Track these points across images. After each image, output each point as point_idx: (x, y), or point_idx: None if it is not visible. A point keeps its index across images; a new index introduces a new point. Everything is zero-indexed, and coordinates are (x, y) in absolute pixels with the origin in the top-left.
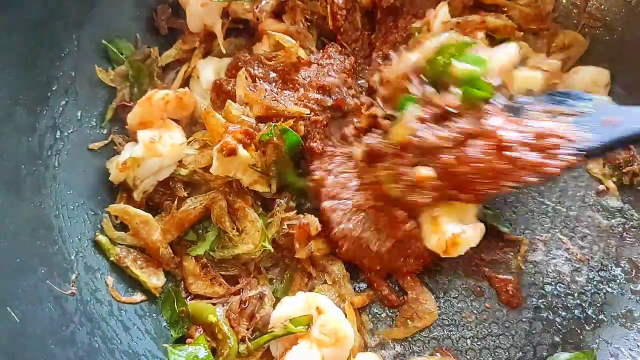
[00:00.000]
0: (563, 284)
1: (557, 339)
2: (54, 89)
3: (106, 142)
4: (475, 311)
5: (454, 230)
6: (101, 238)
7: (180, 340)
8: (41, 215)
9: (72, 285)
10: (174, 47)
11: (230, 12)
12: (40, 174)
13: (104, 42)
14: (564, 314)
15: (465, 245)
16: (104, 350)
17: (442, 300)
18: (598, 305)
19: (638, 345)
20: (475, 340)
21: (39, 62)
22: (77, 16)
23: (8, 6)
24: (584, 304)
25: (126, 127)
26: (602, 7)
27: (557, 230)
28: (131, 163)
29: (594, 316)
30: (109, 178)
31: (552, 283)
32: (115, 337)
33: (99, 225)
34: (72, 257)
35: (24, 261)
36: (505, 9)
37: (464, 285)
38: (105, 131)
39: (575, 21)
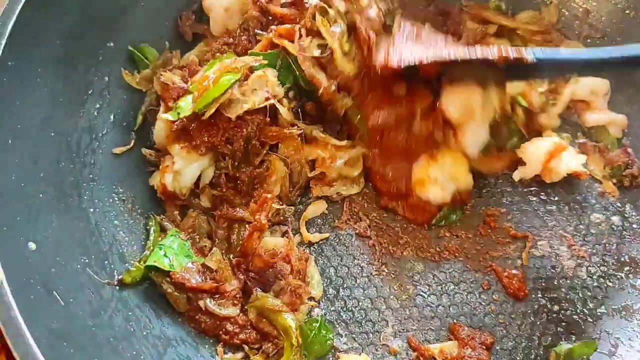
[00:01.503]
0: (566, 278)
1: (560, 329)
2: (89, 92)
3: (129, 147)
4: (483, 303)
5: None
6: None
7: None
8: (80, 209)
9: (108, 275)
10: (195, 49)
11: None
12: (78, 171)
13: (130, 48)
14: (566, 306)
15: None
16: (139, 334)
17: (452, 293)
18: (599, 298)
19: (637, 336)
20: (484, 329)
21: (77, 67)
22: (110, 24)
23: (49, 15)
24: (585, 298)
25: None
26: (603, 18)
27: (560, 228)
28: (174, 178)
29: (595, 309)
30: (157, 194)
31: (556, 277)
32: (148, 323)
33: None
34: (107, 249)
35: (66, 251)
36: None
37: (473, 279)
38: (133, 134)
39: (577, 32)
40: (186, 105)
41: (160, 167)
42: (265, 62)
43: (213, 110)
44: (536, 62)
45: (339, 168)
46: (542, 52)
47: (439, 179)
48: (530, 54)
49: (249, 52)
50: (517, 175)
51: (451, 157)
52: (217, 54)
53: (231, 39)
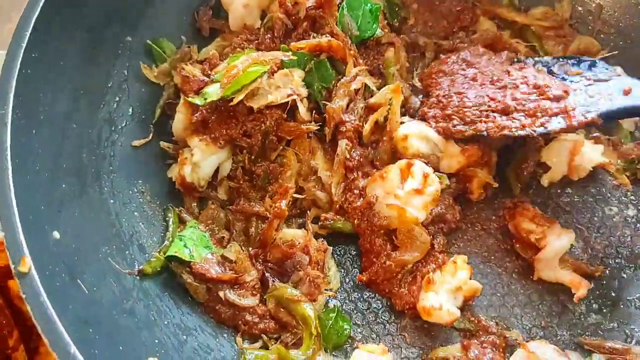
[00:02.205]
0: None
1: (575, 320)
2: (109, 85)
3: (148, 139)
4: (501, 292)
5: (433, 303)
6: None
7: None
8: (101, 200)
9: (129, 265)
10: (213, 43)
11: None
12: (99, 162)
13: (148, 42)
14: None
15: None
16: (160, 323)
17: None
18: (615, 290)
19: None
20: (499, 318)
21: (98, 60)
22: (129, 19)
23: (72, 8)
24: (601, 289)
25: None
26: (616, 13)
27: (575, 221)
28: (193, 170)
29: (610, 300)
30: (176, 186)
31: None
32: (168, 312)
33: (150, 213)
34: (127, 239)
35: (89, 241)
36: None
37: (491, 271)
38: (152, 127)
39: (590, 27)
40: (214, 91)
41: (179, 159)
42: (295, 58)
43: (242, 96)
44: (603, 117)
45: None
46: (610, 105)
47: (444, 304)
48: (597, 112)
49: (281, 45)
50: (545, 181)
51: (449, 271)
52: (238, 49)
53: (252, 35)
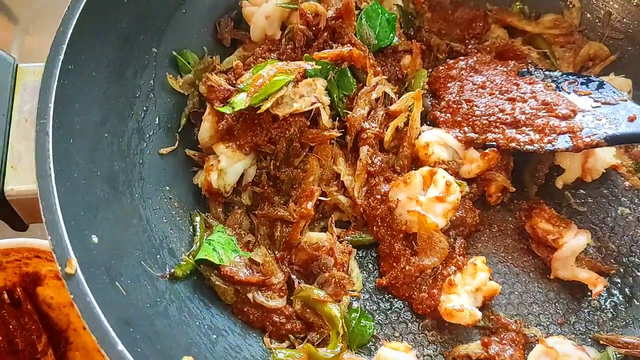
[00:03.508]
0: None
1: (591, 317)
2: (137, 95)
3: (174, 147)
4: (519, 290)
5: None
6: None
7: None
8: (132, 206)
9: (161, 268)
10: (235, 53)
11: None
12: (129, 170)
13: (174, 53)
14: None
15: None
16: (192, 324)
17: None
18: (629, 287)
19: None
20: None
21: (126, 71)
22: (156, 31)
23: (103, 23)
24: (615, 286)
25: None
26: (625, 19)
27: (589, 222)
28: (219, 177)
29: (624, 297)
30: (202, 192)
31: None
32: (199, 313)
33: (177, 219)
34: (158, 244)
35: (123, 245)
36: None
37: (508, 271)
38: (177, 135)
39: (599, 33)
40: (241, 101)
41: (205, 166)
42: (319, 67)
43: (269, 104)
44: (607, 141)
45: None
46: (614, 129)
47: (465, 305)
48: (602, 135)
49: (304, 55)
50: (559, 183)
51: (469, 272)
52: (260, 59)
53: (274, 46)
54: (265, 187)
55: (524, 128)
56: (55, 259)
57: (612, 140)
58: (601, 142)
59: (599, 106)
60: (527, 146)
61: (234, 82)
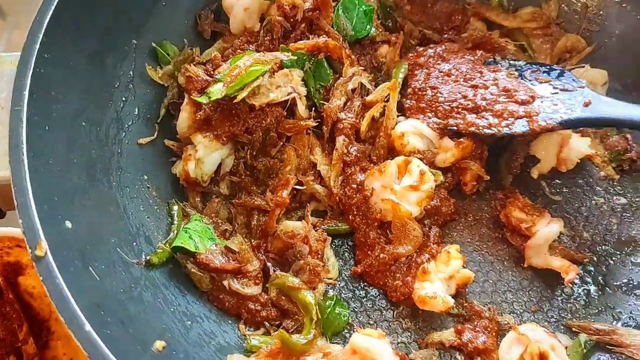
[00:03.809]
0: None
1: (564, 305)
2: (116, 85)
3: (153, 137)
4: (494, 278)
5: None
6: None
7: None
8: (109, 194)
9: (137, 255)
10: (215, 45)
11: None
12: (107, 159)
13: (153, 44)
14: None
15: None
16: (167, 310)
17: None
18: (602, 275)
19: (638, 309)
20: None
21: (106, 62)
22: (136, 23)
23: (81, 14)
24: (588, 274)
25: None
26: (601, 12)
27: (563, 211)
28: (197, 166)
29: (597, 285)
30: (180, 182)
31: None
32: (174, 300)
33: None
34: (134, 232)
35: (99, 231)
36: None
37: (482, 260)
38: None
39: (576, 25)
40: (217, 90)
41: (183, 156)
42: (295, 58)
43: (244, 94)
44: (562, 125)
45: None
46: (569, 114)
47: (438, 293)
48: (557, 119)
49: (280, 45)
50: (535, 173)
51: (442, 260)
52: (239, 50)
53: (252, 38)
54: (243, 177)
55: (483, 113)
56: (26, 241)
57: (566, 124)
58: (556, 125)
59: (557, 92)
60: (485, 130)
61: (212, 73)
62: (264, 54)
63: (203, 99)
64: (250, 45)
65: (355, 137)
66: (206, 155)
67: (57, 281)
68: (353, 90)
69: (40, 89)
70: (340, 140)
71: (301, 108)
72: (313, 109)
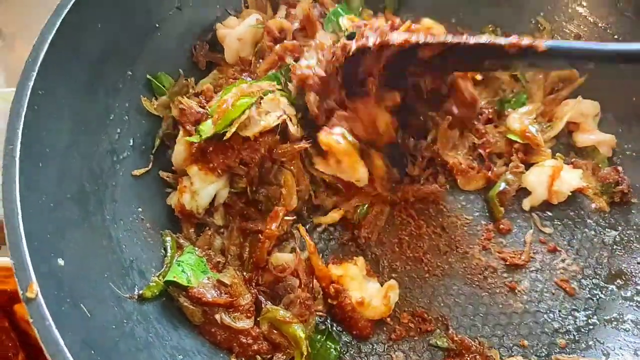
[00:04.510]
0: (561, 289)
1: (554, 339)
2: (111, 118)
3: (148, 168)
4: (482, 311)
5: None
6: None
7: None
8: (103, 227)
9: (129, 289)
10: (210, 75)
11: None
12: (101, 191)
13: (148, 76)
14: (560, 316)
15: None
16: (158, 344)
17: (452, 304)
18: (592, 309)
19: (628, 345)
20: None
21: (99, 94)
22: (130, 54)
23: (75, 46)
24: (578, 308)
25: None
26: None
27: (555, 243)
28: (192, 198)
29: (587, 319)
30: (175, 213)
31: (551, 289)
32: (166, 334)
33: (149, 239)
34: (127, 265)
35: (91, 266)
36: None
37: (471, 292)
38: (151, 157)
39: None
40: (207, 128)
41: (178, 187)
42: (279, 87)
43: (233, 130)
44: (548, 51)
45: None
46: (554, 42)
47: (374, 300)
48: (542, 43)
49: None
50: (526, 205)
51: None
52: (231, 79)
53: (245, 66)
54: (242, 205)
55: None
56: (17, 282)
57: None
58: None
59: None
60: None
61: (205, 104)
62: (251, 85)
63: (195, 139)
64: (245, 74)
65: None
66: (201, 188)
67: (47, 324)
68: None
69: (34, 126)
70: (310, 97)
71: (293, 128)
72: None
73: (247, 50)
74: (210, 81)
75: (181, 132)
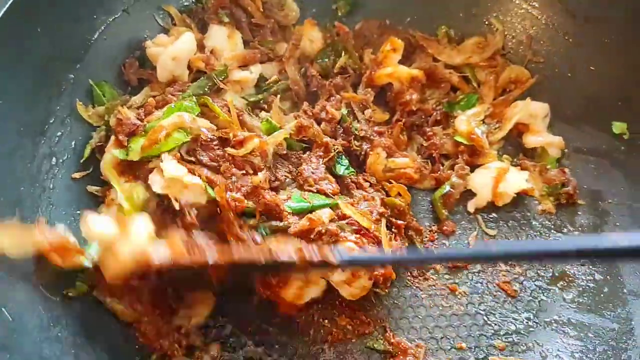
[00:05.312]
0: (502, 291)
1: (493, 340)
2: (51, 121)
3: (88, 172)
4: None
5: None
6: None
7: None
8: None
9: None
10: (142, 93)
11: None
12: (37, 195)
13: (90, 82)
14: (501, 318)
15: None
16: (87, 346)
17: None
18: (533, 311)
19: (565, 347)
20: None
21: (41, 98)
22: (73, 58)
23: (15, 48)
24: (519, 310)
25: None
26: (545, 44)
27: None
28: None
29: (527, 321)
30: None
31: (492, 291)
32: (97, 335)
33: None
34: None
35: (22, 270)
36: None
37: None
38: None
39: (522, 56)
40: (135, 149)
41: (106, 200)
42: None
43: (158, 162)
44: (340, 264)
45: None
46: (347, 254)
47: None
48: (336, 256)
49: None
50: (471, 207)
51: None
52: (170, 96)
53: (184, 86)
54: None
55: None
56: None
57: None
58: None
59: None
60: None
61: (143, 117)
62: (194, 120)
63: (121, 155)
64: (182, 94)
65: None
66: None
67: None
68: None
69: None
70: None
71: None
72: None
73: (181, 70)
74: (142, 98)
75: (112, 141)
